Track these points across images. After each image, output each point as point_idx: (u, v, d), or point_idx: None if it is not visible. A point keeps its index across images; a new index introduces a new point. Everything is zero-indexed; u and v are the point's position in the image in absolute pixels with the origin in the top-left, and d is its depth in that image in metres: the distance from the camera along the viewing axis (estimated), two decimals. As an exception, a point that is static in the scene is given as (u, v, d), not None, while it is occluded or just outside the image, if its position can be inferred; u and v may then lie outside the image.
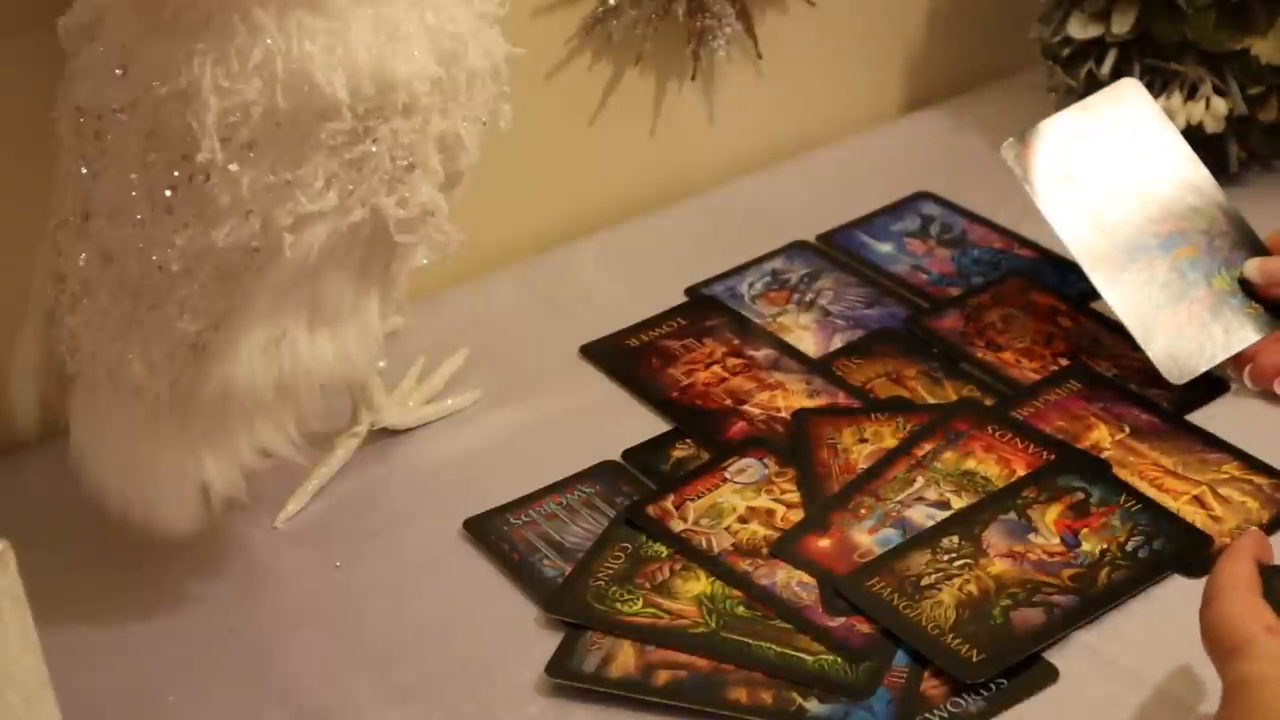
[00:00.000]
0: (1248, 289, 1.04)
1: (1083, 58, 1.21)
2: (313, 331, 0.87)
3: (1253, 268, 1.04)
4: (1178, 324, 1.02)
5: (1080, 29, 1.19)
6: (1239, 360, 1.02)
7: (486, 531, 0.95)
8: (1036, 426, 0.99)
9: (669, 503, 0.95)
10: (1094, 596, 0.87)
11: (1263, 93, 1.17)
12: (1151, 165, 1.07)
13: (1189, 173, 1.07)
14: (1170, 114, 1.16)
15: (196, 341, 0.85)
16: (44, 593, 0.65)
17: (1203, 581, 0.78)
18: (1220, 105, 1.16)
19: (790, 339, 1.09)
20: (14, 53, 0.95)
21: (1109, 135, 1.07)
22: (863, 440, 0.99)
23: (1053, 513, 0.92)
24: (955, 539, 0.91)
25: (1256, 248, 1.06)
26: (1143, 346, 1.01)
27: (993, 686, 0.83)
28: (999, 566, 0.89)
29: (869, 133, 1.34)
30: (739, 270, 1.17)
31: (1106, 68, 1.19)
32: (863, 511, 0.93)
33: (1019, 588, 0.87)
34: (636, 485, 0.98)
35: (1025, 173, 1.06)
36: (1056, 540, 0.90)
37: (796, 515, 0.94)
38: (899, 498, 0.94)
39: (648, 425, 1.03)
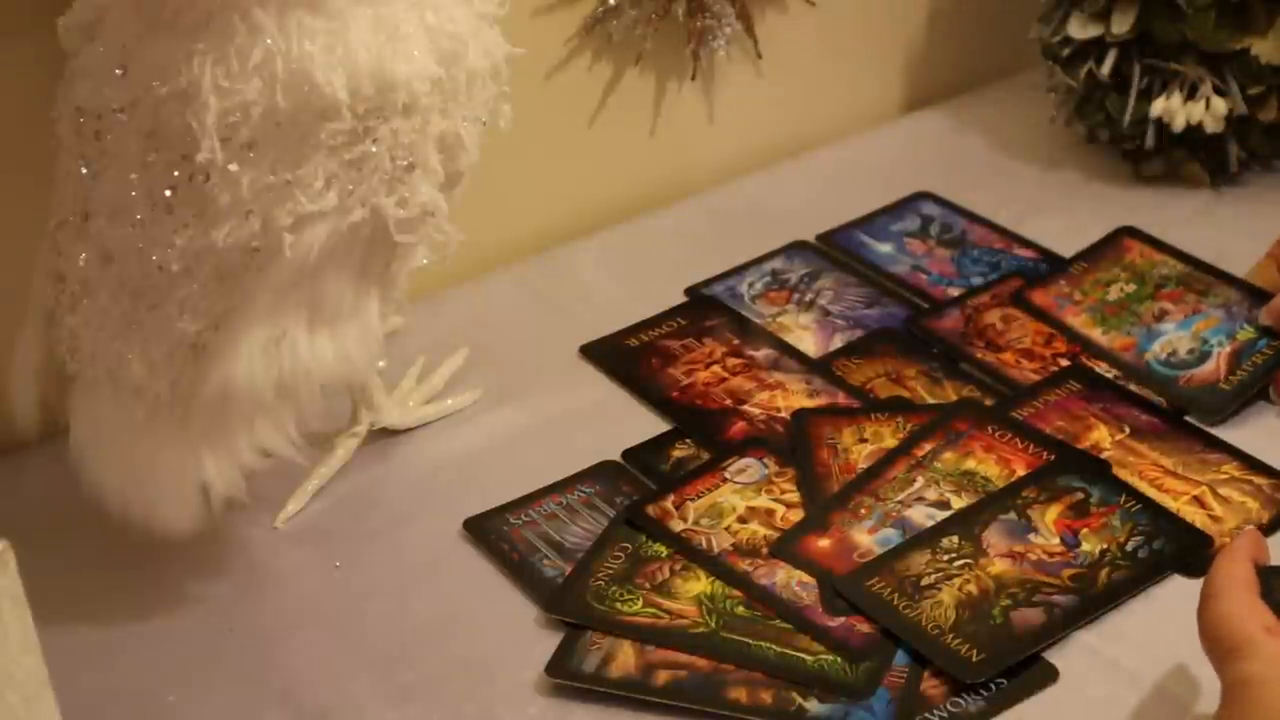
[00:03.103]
0: (1270, 333, 1.04)
1: (1083, 58, 1.20)
2: (313, 331, 0.87)
3: (1269, 315, 1.04)
4: (1207, 377, 1.02)
5: (1080, 29, 1.19)
6: (1276, 383, 1.02)
7: (486, 531, 0.95)
8: (1036, 427, 0.99)
9: (669, 503, 0.95)
10: (1094, 596, 0.87)
11: (1263, 93, 1.17)
12: (1155, 278, 1.11)
13: (1194, 273, 1.10)
14: (1170, 114, 1.17)
15: (196, 341, 0.85)
16: (44, 593, 0.65)
17: (1202, 582, 0.78)
18: (1220, 105, 1.16)
19: (790, 339, 1.09)
20: (14, 53, 0.95)
21: None
22: (863, 440, 0.99)
23: (1053, 513, 0.92)
24: (955, 539, 0.91)
25: (1266, 295, 1.06)
26: (1175, 407, 1.01)
27: (993, 686, 0.83)
28: (999, 566, 0.89)
29: (869, 133, 1.34)
30: (739, 270, 1.17)
31: (1106, 68, 1.19)
32: (863, 511, 0.93)
33: (1019, 588, 0.87)
34: (636, 485, 0.98)
35: (1038, 309, 1.09)
36: (1056, 540, 0.90)
37: (796, 515, 0.94)
38: (899, 498, 0.94)
39: (648, 425, 1.03)
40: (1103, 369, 1.03)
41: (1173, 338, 1.05)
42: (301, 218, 0.82)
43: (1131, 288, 1.09)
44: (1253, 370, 1.01)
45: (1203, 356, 1.03)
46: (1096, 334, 1.06)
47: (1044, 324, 1.08)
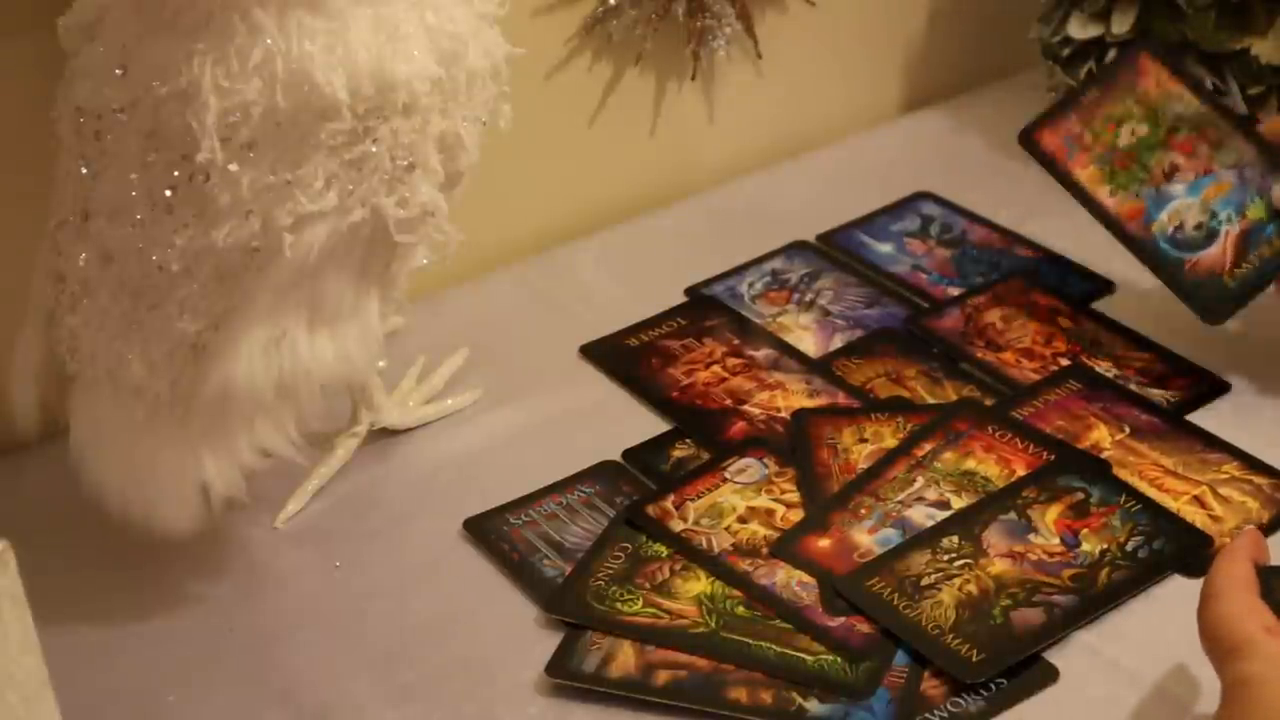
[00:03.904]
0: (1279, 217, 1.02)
1: (1083, 58, 1.21)
2: (313, 331, 0.87)
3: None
4: (1213, 264, 1.01)
5: (1080, 29, 1.19)
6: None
7: (486, 531, 0.95)
8: (1036, 426, 0.99)
9: (669, 503, 0.95)
10: (1094, 596, 0.87)
11: (1263, 93, 1.17)
12: (1169, 118, 1.06)
13: (1210, 114, 1.05)
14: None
15: (196, 341, 0.85)
16: (44, 593, 0.65)
17: (1202, 582, 0.78)
18: (1220, 105, 1.16)
19: (790, 339, 1.09)
20: (14, 53, 0.95)
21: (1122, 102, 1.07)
22: (863, 440, 0.99)
23: (1053, 513, 0.92)
24: (955, 539, 0.91)
25: None
26: (1179, 297, 1.00)
27: (993, 686, 0.83)
28: (999, 566, 0.89)
29: (869, 133, 1.34)
30: (739, 270, 1.17)
31: (1106, 67, 1.19)
32: (863, 511, 0.93)
33: (1019, 588, 0.87)
34: (636, 485, 0.98)
35: (1047, 154, 1.05)
36: (1056, 540, 0.90)
37: (796, 515, 0.94)
38: (899, 498, 0.94)
39: (648, 425, 1.03)
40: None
41: (1180, 205, 1.03)
42: (301, 218, 0.82)
43: (1144, 129, 1.05)
44: (1259, 266, 1.00)
45: (1210, 235, 1.01)
46: (1104, 194, 1.04)
47: (1052, 175, 1.05)
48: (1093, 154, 1.06)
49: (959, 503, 0.93)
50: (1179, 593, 0.87)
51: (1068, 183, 1.06)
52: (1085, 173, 1.05)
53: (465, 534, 0.96)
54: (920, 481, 0.95)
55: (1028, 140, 1.07)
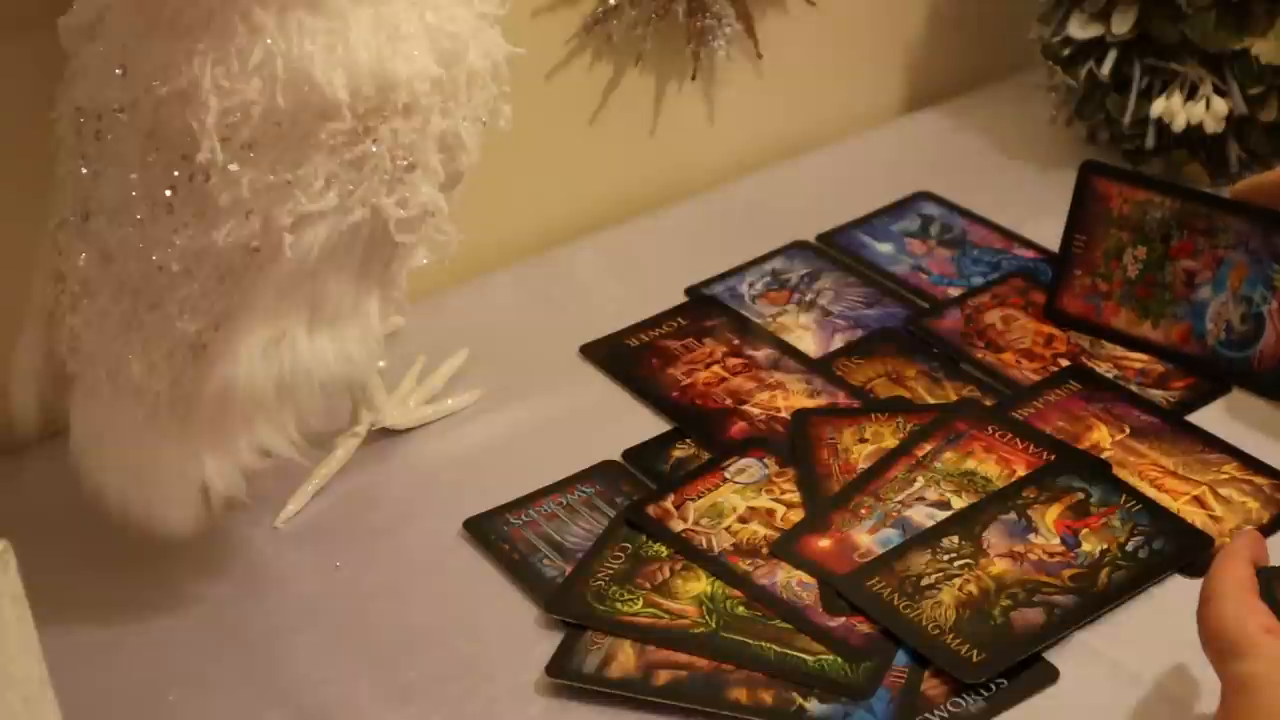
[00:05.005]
0: None
1: (1083, 58, 1.21)
2: (313, 331, 0.87)
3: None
4: (1274, 349, 1.01)
5: (1080, 29, 1.19)
6: None
7: (486, 531, 0.95)
8: (1036, 427, 0.99)
9: (669, 503, 0.95)
10: (1094, 596, 0.87)
11: (1263, 93, 1.17)
12: (1155, 227, 1.06)
13: (1186, 206, 1.05)
14: (1170, 114, 1.17)
15: (196, 341, 0.85)
16: (44, 593, 0.65)
17: (1202, 582, 0.78)
18: (1220, 105, 1.16)
19: (790, 339, 1.09)
20: (14, 53, 0.95)
21: None
22: (863, 440, 0.99)
23: (1053, 513, 0.92)
24: (955, 539, 0.91)
25: (1274, 219, 1.03)
26: (1260, 395, 1.00)
27: (993, 686, 0.83)
28: (999, 566, 0.89)
29: (869, 133, 1.34)
30: (739, 270, 1.17)
31: (1106, 68, 1.19)
32: (863, 511, 0.93)
33: (1019, 588, 0.87)
34: (636, 485, 0.98)
35: (1079, 319, 1.07)
36: (1056, 540, 0.90)
37: (796, 515, 0.94)
38: (899, 498, 0.94)
39: (648, 425, 1.03)
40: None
41: (1217, 306, 1.03)
42: (301, 217, 0.82)
43: (1142, 251, 1.06)
44: None
45: (1257, 322, 1.02)
46: (1148, 330, 1.05)
47: (1099, 338, 1.06)
48: (1115, 297, 1.07)
49: (959, 503, 0.93)
50: (1179, 593, 0.87)
51: (1112, 337, 1.06)
52: (1120, 318, 1.06)
53: (465, 534, 0.96)
54: (920, 481, 0.95)
55: (1055, 313, 1.08)
